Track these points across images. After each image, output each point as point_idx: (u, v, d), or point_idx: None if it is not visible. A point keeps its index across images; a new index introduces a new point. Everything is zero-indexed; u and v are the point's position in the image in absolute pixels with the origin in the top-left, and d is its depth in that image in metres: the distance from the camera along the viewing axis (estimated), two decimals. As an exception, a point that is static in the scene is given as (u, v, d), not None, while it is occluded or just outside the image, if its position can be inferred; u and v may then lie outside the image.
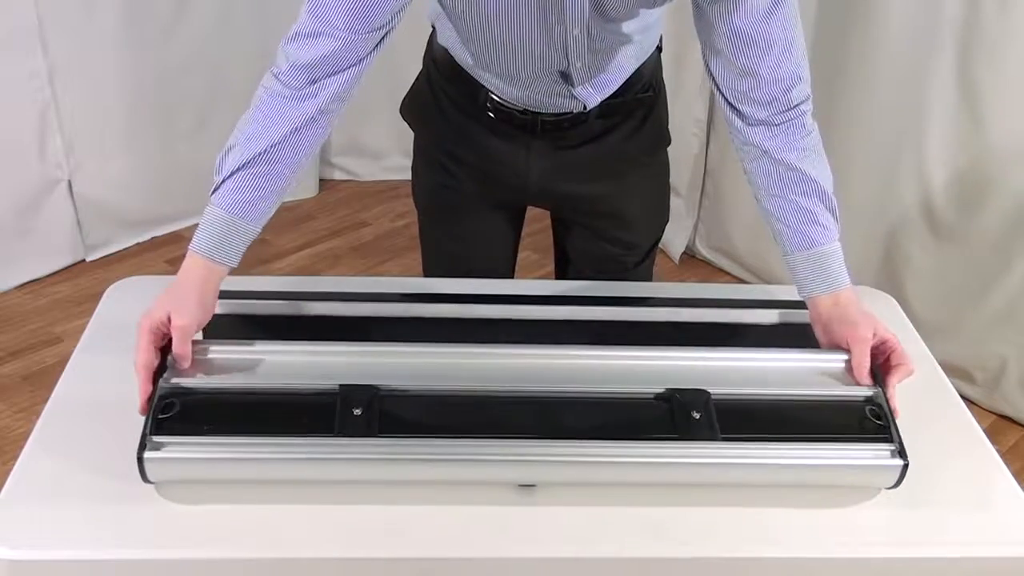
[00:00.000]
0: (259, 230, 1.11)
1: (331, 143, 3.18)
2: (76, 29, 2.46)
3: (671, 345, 1.13)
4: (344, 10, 1.09)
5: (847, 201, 2.46)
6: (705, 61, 1.19)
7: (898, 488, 1.02)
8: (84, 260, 2.72)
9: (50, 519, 0.96)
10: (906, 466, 1.01)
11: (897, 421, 1.05)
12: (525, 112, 1.32)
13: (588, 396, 1.06)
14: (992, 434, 1.51)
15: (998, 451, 1.13)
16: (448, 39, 1.30)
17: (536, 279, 2.47)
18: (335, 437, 0.99)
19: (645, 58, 1.33)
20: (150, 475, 0.97)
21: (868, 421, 1.05)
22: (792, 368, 1.12)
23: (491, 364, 1.09)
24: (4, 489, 0.99)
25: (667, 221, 1.54)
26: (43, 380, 2.28)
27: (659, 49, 1.38)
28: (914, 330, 1.34)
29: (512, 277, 1.58)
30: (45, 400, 1.12)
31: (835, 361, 1.12)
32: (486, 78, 1.30)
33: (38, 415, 1.09)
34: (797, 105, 1.17)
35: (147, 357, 1.02)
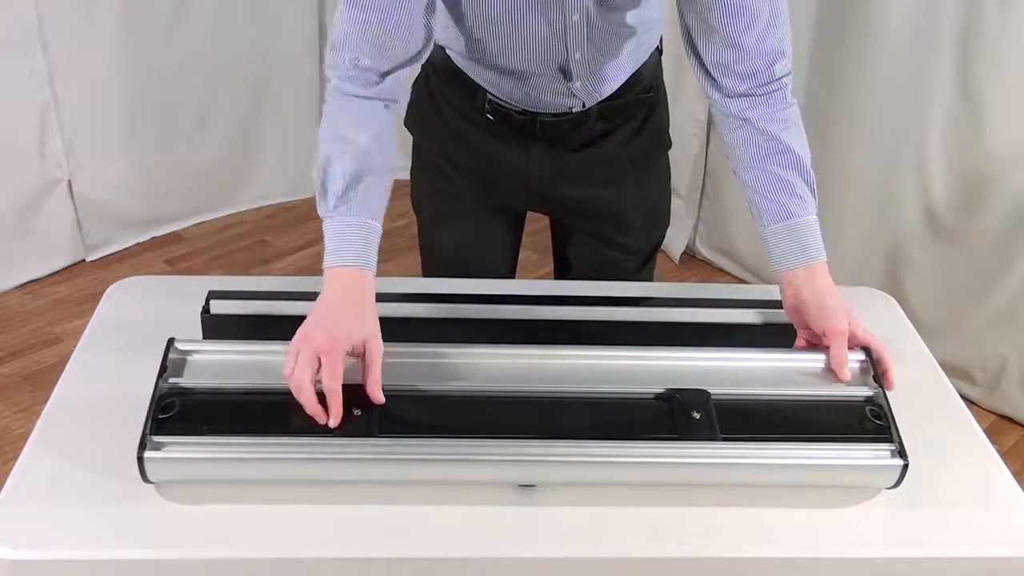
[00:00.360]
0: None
1: (331, 143, 3.18)
2: (76, 29, 2.46)
3: (671, 345, 1.13)
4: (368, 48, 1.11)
5: (847, 201, 2.47)
6: (687, 32, 1.19)
7: (898, 488, 1.02)
8: (84, 260, 2.72)
9: (50, 519, 0.96)
10: (906, 466, 1.01)
11: (897, 420, 1.05)
12: (524, 113, 1.31)
13: (588, 396, 1.06)
14: (992, 434, 1.51)
15: (998, 451, 1.13)
16: (447, 37, 1.29)
17: (536, 279, 2.46)
18: (335, 437, 0.99)
19: (645, 58, 1.33)
20: (150, 475, 0.97)
21: (868, 421, 1.05)
22: (792, 368, 1.12)
23: (491, 364, 1.09)
24: (4, 489, 0.99)
25: (668, 225, 1.54)
26: (43, 380, 2.28)
27: (659, 51, 1.38)
28: (914, 330, 1.34)
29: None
30: (45, 400, 1.11)
31: (835, 361, 1.12)
32: (485, 77, 1.30)
33: (38, 415, 1.09)
34: (779, 78, 1.18)
35: (307, 380, 0.98)
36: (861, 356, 1.13)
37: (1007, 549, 1.01)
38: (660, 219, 1.52)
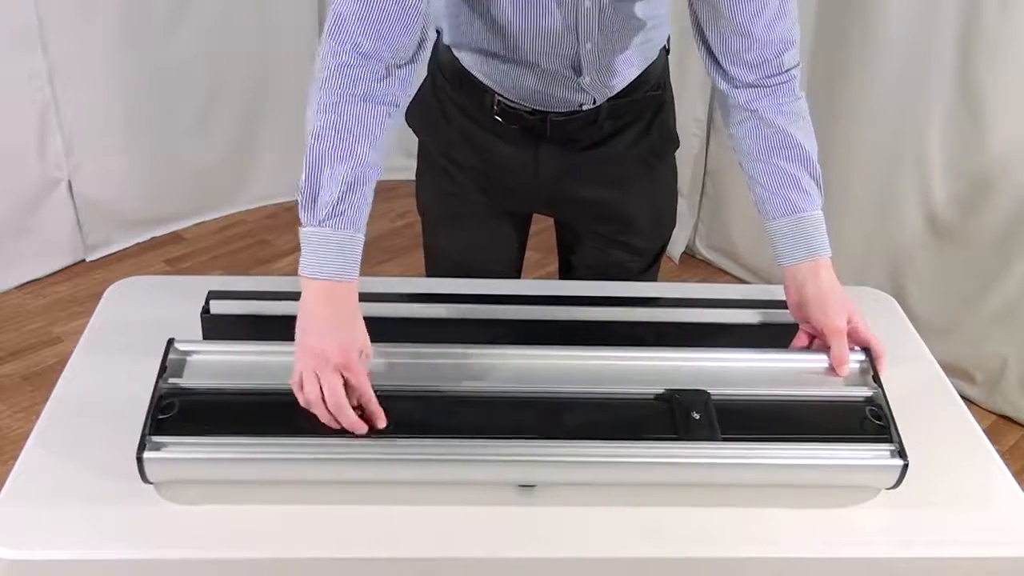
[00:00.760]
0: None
1: (331, 143, 3.18)
2: (76, 29, 2.46)
3: (671, 345, 1.13)
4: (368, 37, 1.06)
5: (847, 201, 2.47)
6: (696, 20, 1.18)
7: (898, 488, 1.02)
8: (84, 260, 2.72)
9: (50, 519, 0.96)
10: (906, 466, 1.01)
11: (897, 420, 1.05)
12: (534, 112, 1.30)
13: (588, 396, 1.06)
14: (992, 434, 1.51)
15: (998, 451, 1.13)
16: (457, 33, 1.28)
17: (537, 279, 2.46)
18: (335, 437, 0.99)
19: (654, 56, 1.32)
20: (150, 475, 0.97)
21: (868, 421, 1.05)
22: (792, 368, 1.12)
23: (491, 364, 1.10)
24: (4, 489, 0.99)
25: (674, 225, 1.53)
26: (43, 380, 2.28)
27: (666, 51, 1.37)
28: (914, 330, 1.34)
29: None
30: (45, 400, 1.11)
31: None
32: (494, 76, 1.28)
33: (38, 415, 1.09)
34: (788, 70, 1.18)
35: (344, 398, 0.99)
36: (861, 356, 1.13)
37: (1007, 549, 1.01)
38: (667, 219, 1.51)
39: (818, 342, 1.16)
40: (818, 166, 1.18)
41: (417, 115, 1.43)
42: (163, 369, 1.04)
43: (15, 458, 1.03)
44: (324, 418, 0.99)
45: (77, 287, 2.63)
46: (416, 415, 1.03)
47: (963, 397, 1.23)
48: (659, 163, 1.44)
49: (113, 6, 2.51)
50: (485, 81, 1.30)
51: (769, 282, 2.70)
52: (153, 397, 1.01)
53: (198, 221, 2.94)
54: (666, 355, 1.12)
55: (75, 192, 2.63)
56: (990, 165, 2.15)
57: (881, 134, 2.28)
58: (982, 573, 1.02)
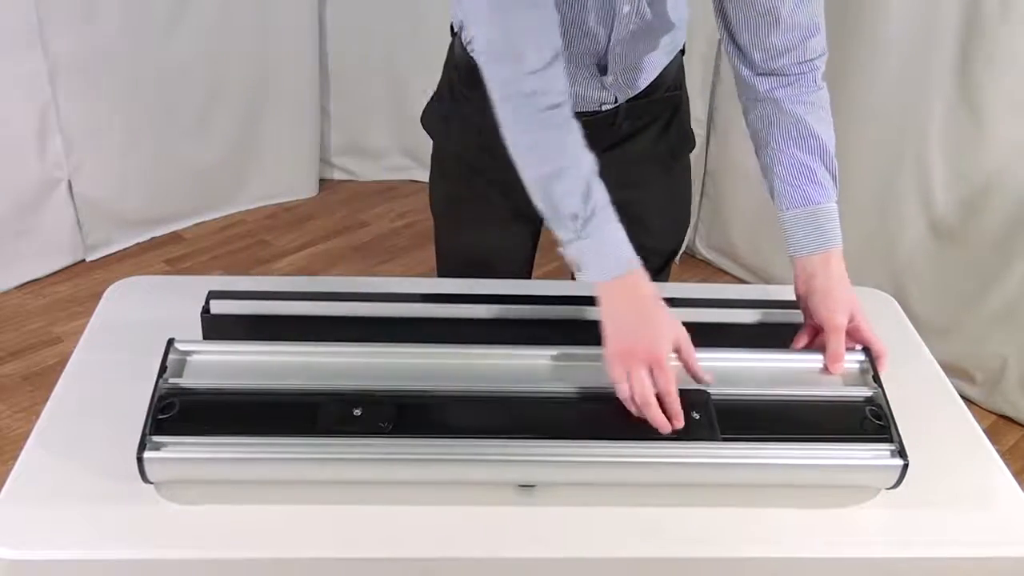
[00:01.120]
0: None
1: (331, 143, 3.19)
2: (76, 29, 2.46)
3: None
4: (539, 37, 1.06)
5: (847, 201, 2.45)
6: (720, 2, 1.18)
7: (898, 488, 1.02)
8: (84, 260, 2.72)
9: (50, 519, 0.96)
10: (906, 466, 1.01)
11: (897, 420, 1.05)
12: None
13: (588, 396, 1.06)
14: (992, 434, 1.51)
15: (998, 451, 1.13)
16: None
17: (537, 279, 2.46)
18: (334, 437, 0.99)
19: (672, 56, 1.32)
20: (150, 475, 0.97)
21: (868, 421, 1.05)
22: (792, 368, 1.12)
23: (491, 364, 1.09)
24: (4, 489, 0.99)
25: (688, 225, 1.53)
26: (43, 380, 2.28)
27: (682, 51, 1.37)
28: (914, 330, 1.34)
29: None
30: (45, 400, 1.11)
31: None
32: None
33: (38, 415, 1.09)
34: (811, 59, 1.17)
35: (651, 394, 1.00)
36: (861, 356, 1.13)
37: (1007, 549, 1.01)
38: (682, 219, 1.51)
39: (820, 340, 1.16)
40: (835, 160, 1.18)
41: (433, 118, 1.42)
42: (163, 369, 1.04)
43: (15, 458, 1.03)
44: (637, 414, 1.01)
45: (77, 287, 2.63)
46: (416, 415, 1.03)
47: (963, 397, 1.23)
48: (675, 163, 1.44)
49: (113, 6, 2.51)
50: None
51: (769, 282, 2.70)
52: (153, 397, 1.01)
53: (198, 221, 2.94)
54: (666, 355, 1.12)
55: (75, 192, 2.63)
56: (990, 165, 2.15)
57: (881, 134, 2.28)
58: (982, 573, 1.02)
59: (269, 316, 1.18)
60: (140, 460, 0.96)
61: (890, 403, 1.07)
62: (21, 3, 2.34)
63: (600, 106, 1.30)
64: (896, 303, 1.41)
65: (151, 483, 0.98)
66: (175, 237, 2.87)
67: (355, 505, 1.00)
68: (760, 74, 1.19)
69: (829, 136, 1.18)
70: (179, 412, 1.00)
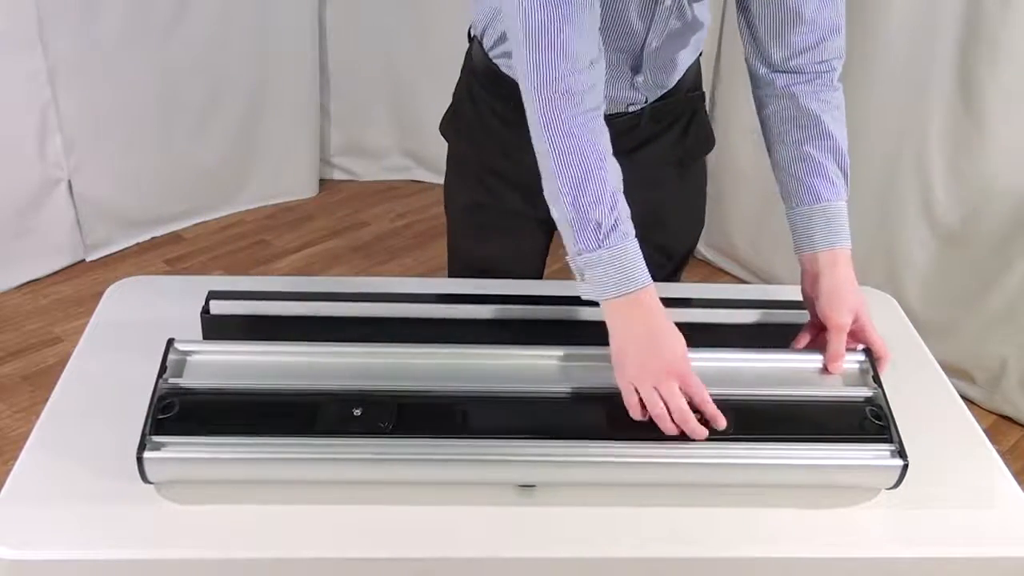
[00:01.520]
0: None
1: (331, 143, 3.19)
2: (76, 29, 2.46)
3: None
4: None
5: (848, 201, 2.46)
6: (748, 7, 1.18)
7: (898, 488, 1.02)
8: (84, 260, 2.72)
9: (50, 519, 0.96)
10: (906, 466, 1.01)
11: (897, 420, 1.05)
12: None
13: (588, 396, 1.06)
14: (992, 434, 1.51)
15: (998, 451, 1.13)
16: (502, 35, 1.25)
17: (537, 280, 2.46)
18: (334, 437, 0.99)
19: (695, 57, 1.33)
20: (150, 475, 0.97)
21: (868, 421, 1.05)
22: (792, 368, 1.12)
23: (491, 364, 1.09)
24: (4, 489, 0.99)
25: (703, 225, 1.53)
26: (43, 380, 2.28)
27: (700, 52, 1.37)
28: (914, 330, 1.34)
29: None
30: (45, 400, 1.11)
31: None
32: None
33: (38, 415, 1.09)
34: (830, 59, 1.18)
35: (687, 407, 1.00)
36: (861, 356, 1.13)
37: (1007, 549, 1.01)
38: (697, 219, 1.51)
39: (821, 339, 1.16)
40: (847, 158, 1.18)
41: (452, 123, 1.42)
42: (163, 369, 1.04)
43: (15, 458, 1.03)
44: (669, 429, 1.00)
45: (77, 287, 2.63)
46: (416, 415, 1.03)
47: (963, 397, 1.23)
48: (694, 164, 1.44)
49: (114, 6, 2.51)
50: None
51: (769, 282, 2.70)
52: (153, 397, 1.01)
53: (198, 221, 2.94)
54: (666, 355, 1.12)
55: (75, 192, 2.63)
56: (990, 165, 2.15)
57: (881, 134, 2.28)
58: (982, 573, 1.02)
59: (269, 316, 1.18)
60: (140, 460, 0.96)
61: (890, 403, 1.07)
62: (21, 3, 2.34)
63: (627, 107, 1.30)
64: (896, 303, 1.41)
65: (151, 483, 0.98)
66: (175, 237, 2.87)
67: (355, 505, 1.00)
68: (777, 71, 1.19)
69: (842, 136, 1.18)
70: (179, 412, 1.00)
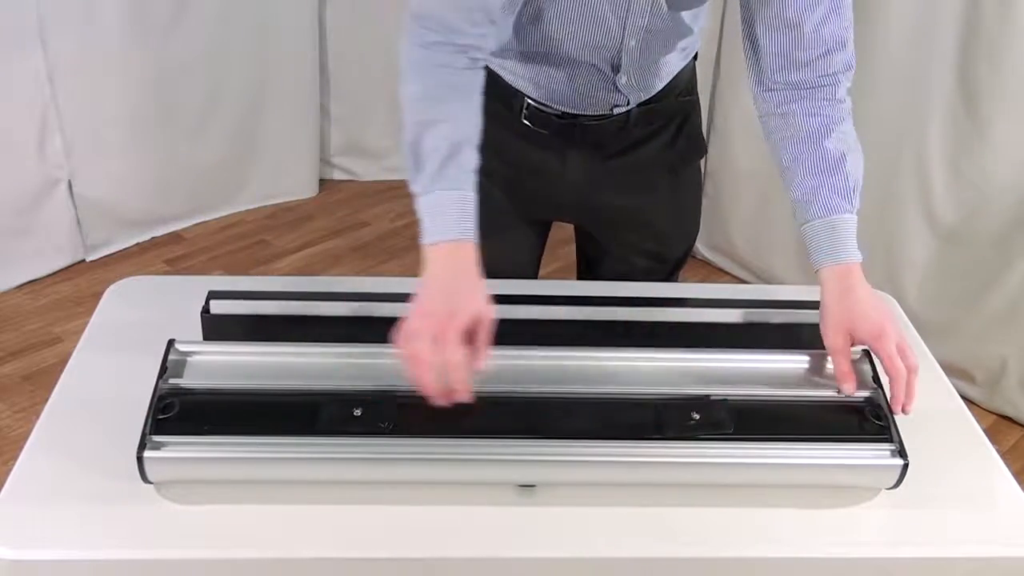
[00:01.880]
0: None
1: (331, 143, 3.18)
2: (76, 29, 2.46)
3: (670, 346, 1.13)
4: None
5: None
6: (746, 15, 1.17)
7: (898, 488, 1.02)
8: (84, 260, 2.72)
9: (50, 519, 0.96)
10: (906, 466, 1.01)
11: (897, 419, 1.05)
12: (563, 116, 1.29)
13: (587, 397, 1.06)
14: (992, 434, 1.51)
15: (998, 451, 1.13)
16: (496, 35, 1.25)
17: (536, 280, 2.46)
18: (334, 437, 0.99)
19: (686, 62, 1.32)
20: (150, 475, 0.97)
21: (868, 421, 1.05)
22: (792, 368, 1.12)
23: (490, 365, 1.09)
24: (4, 489, 0.99)
25: (698, 230, 1.52)
26: (43, 380, 2.28)
27: (695, 56, 1.37)
28: (914, 330, 1.34)
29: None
30: (45, 400, 1.11)
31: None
32: (527, 75, 1.27)
33: (38, 415, 1.09)
34: (833, 73, 1.15)
35: (461, 350, 0.98)
36: (858, 356, 1.12)
37: (1007, 549, 1.01)
38: (691, 224, 1.50)
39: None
40: (851, 172, 1.13)
41: None
42: (163, 369, 1.04)
43: (15, 458, 1.03)
44: (412, 378, 0.98)
45: (77, 287, 2.63)
46: (416, 415, 1.03)
47: (963, 397, 1.23)
48: (686, 169, 1.43)
49: (113, 6, 2.51)
50: (516, 83, 1.29)
51: (768, 282, 2.70)
52: (153, 397, 1.01)
53: (198, 221, 2.94)
54: (666, 355, 1.12)
55: (75, 192, 2.63)
56: (990, 165, 2.15)
57: (881, 134, 2.28)
58: (982, 573, 1.02)
59: (269, 316, 1.18)
60: (140, 460, 0.96)
61: (890, 403, 1.07)
62: (21, 3, 2.34)
63: (612, 109, 1.29)
64: (896, 303, 1.41)
65: (151, 483, 0.98)
66: (175, 237, 2.87)
67: (355, 505, 1.00)
68: (772, 89, 1.17)
69: (839, 149, 1.14)
70: (179, 412, 1.00)
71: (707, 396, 1.05)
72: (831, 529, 1.01)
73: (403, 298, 1.24)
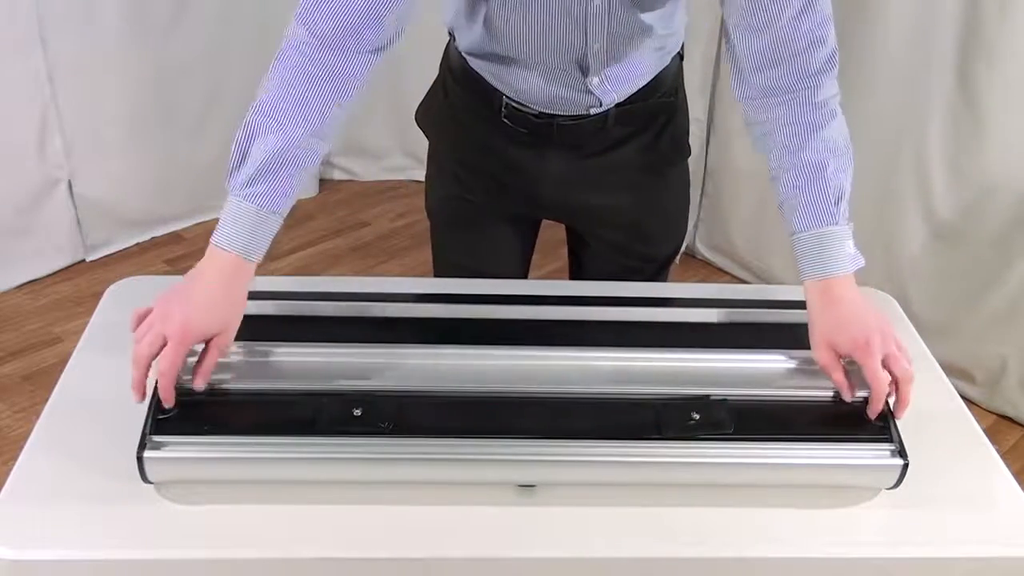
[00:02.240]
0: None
1: (331, 143, 3.18)
2: (76, 29, 2.46)
3: (670, 345, 1.13)
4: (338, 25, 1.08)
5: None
6: (724, 22, 1.15)
7: (898, 488, 1.02)
8: (84, 260, 2.72)
9: (50, 519, 0.96)
10: (906, 466, 1.01)
11: (897, 420, 1.05)
12: (540, 116, 1.29)
13: (587, 397, 1.06)
14: (992, 434, 1.51)
15: (998, 451, 1.13)
16: (467, 33, 1.26)
17: (537, 279, 2.46)
18: (334, 437, 0.99)
19: (666, 62, 1.31)
20: (150, 475, 0.97)
21: (868, 421, 1.05)
22: (792, 368, 1.12)
23: (490, 365, 1.09)
24: (4, 489, 0.99)
25: (685, 232, 1.52)
26: (43, 380, 2.28)
27: (680, 57, 1.36)
28: (914, 330, 1.34)
29: None
30: (45, 400, 1.11)
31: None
32: (502, 76, 1.27)
33: (38, 415, 1.09)
34: (814, 74, 1.13)
35: (177, 365, 0.99)
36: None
37: (1007, 549, 1.01)
38: (677, 226, 1.50)
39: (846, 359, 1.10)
40: (832, 180, 1.11)
41: (428, 117, 1.42)
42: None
43: (15, 458, 1.03)
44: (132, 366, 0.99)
45: (77, 287, 2.63)
46: (416, 415, 1.03)
47: (963, 397, 1.23)
48: (670, 171, 1.43)
49: (113, 6, 2.51)
50: (494, 83, 1.29)
51: (768, 282, 2.70)
52: (153, 397, 1.01)
53: (198, 221, 2.94)
54: (665, 355, 1.12)
55: (75, 192, 2.63)
56: (990, 164, 2.15)
57: (881, 134, 2.28)
58: (982, 573, 1.02)
59: (268, 316, 1.18)
60: (140, 460, 0.96)
61: (890, 403, 1.07)
62: (21, 3, 2.34)
63: (588, 110, 1.29)
64: (896, 303, 1.41)
65: (151, 483, 0.98)
66: (175, 237, 2.87)
67: (355, 505, 1.00)
68: (751, 97, 1.15)
69: (819, 159, 1.12)
70: (179, 412, 1.00)
71: (707, 396, 1.05)
72: (831, 529, 1.01)
73: (403, 298, 1.24)
